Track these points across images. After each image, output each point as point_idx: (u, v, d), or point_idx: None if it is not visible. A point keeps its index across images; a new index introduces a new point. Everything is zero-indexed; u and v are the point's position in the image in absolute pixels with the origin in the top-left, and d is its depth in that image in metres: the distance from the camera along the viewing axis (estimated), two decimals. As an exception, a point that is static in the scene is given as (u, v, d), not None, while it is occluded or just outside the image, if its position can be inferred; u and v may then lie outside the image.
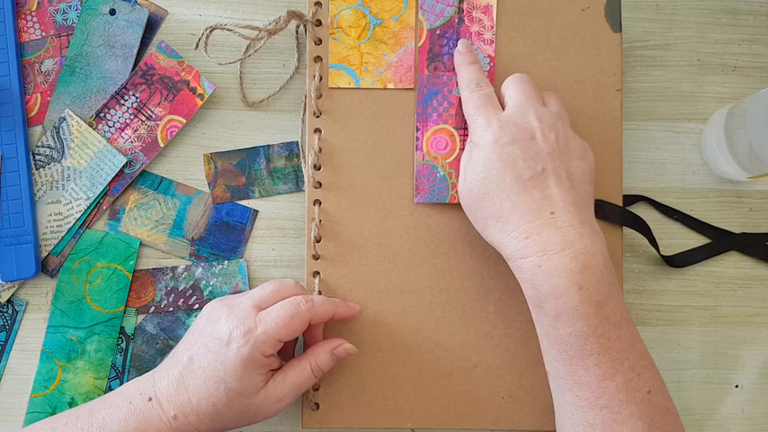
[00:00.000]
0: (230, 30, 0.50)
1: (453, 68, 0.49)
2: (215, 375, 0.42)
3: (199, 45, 0.51)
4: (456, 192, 0.48)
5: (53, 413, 0.50)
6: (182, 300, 0.51)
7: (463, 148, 0.49)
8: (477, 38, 0.49)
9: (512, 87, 0.46)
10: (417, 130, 0.49)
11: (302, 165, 0.52)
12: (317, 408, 0.48)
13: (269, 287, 0.45)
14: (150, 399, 0.42)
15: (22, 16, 0.53)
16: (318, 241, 0.49)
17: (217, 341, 0.42)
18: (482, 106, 0.45)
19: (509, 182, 0.42)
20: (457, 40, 0.49)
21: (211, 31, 0.50)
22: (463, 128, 0.49)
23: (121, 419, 0.42)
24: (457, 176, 0.48)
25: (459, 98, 0.48)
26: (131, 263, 0.51)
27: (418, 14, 0.50)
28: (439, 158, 0.49)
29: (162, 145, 0.52)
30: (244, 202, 0.52)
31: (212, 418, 0.42)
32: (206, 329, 0.43)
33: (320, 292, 0.49)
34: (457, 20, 0.50)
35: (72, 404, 0.50)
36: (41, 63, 0.53)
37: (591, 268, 0.40)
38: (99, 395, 0.50)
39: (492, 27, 0.50)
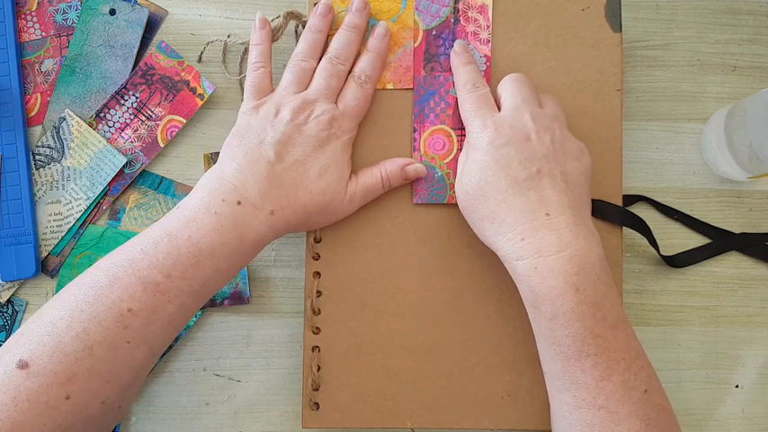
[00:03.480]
0: (233, 44, 0.51)
1: (450, 69, 0.49)
2: (316, 165, 0.45)
3: (201, 58, 0.53)
4: (454, 192, 0.48)
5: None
6: (182, 300, 0.51)
7: (461, 149, 0.49)
8: (473, 38, 0.49)
9: (508, 88, 0.46)
10: (415, 131, 0.49)
11: (302, 165, 0.52)
12: (317, 408, 0.48)
13: (265, 67, 0.48)
14: (239, 202, 0.42)
15: (22, 16, 0.53)
16: (318, 241, 0.49)
17: (311, 136, 0.45)
18: (478, 107, 0.46)
19: (504, 183, 0.43)
20: (453, 41, 0.49)
21: (223, 46, 0.50)
22: (460, 128, 0.49)
23: (214, 231, 0.41)
24: (455, 177, 0.48)
25: (456, 98, 0.49)
26: (131, 262, 0.51)
27: (414, 15, 0.50)
28: (437, 159, 0.49)
29: (162, 145, 0.52)
30: (244, 202, 0.52)
31: (304, 211, 0.44)
32: (281, 125, 0.45)
33: (320, 293, 0.49)
34: (452, 20, 0.49)
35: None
36: (41, 63, 0.53)
37: (587, 269, 0.40)
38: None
39: (488, 27, 0.49)
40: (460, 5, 0.50)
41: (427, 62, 0.50)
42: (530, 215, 0.42)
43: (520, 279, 0.42)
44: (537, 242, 0.41)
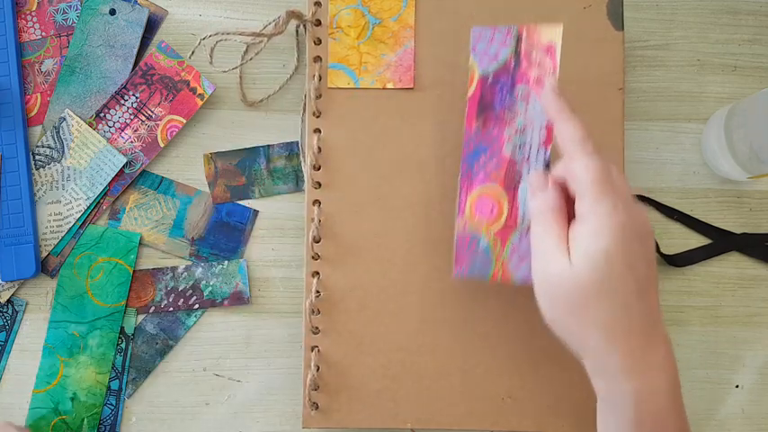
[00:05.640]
0: (230, 36, 0.50)
1: (505, 120, 0.43)
2: None
3: (194, 53, 0.51)
4: (501, 266, 0.43)
5: (56, 408, 0.50)
6: (182, 300, 0.51)
7: (512, 215, 0.43)
8: (536, 85, 0.43)
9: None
10: (461, 192, 0.44)
11: (302, 165, 0.52)
12: (317, 408, 0.48)
13: None
14: None
15: (22, 16, 0.53)
16: (318, 241, 0.49)
17: None
18: (606, 182, 0.37)
19: (631, 285, 0.36)
20: (512, 87, 0.43)
21: (215, 43, 0.50)
22: (513, 188, 0.43)
23: None
24: (503, 247, 0.43)
25: (509, 158, 0.43)
26: (132, 257, 0.51)
27: (470, 59, 0.44)
28: (483, 225, 0.43)
29: (162, 145, 0.52)
30: (244, 202, 0.52)
31: None
32: None
33: (319, 293, 0.49)
34: (513, 63, 0.43)
35: (74, 399, 0.50)
36: (41, 63, 0.53)
37: (676, 384, 0.38)
38: (101, 390, 0.50)
39: (554, 70, 0.42)
40: (523, 46, 0.43)
41: (480, 113, 0.44)
42: (648, 328, 0.37)
43: (616, 400, 0.37)
44: (648, 358, 0.37)
